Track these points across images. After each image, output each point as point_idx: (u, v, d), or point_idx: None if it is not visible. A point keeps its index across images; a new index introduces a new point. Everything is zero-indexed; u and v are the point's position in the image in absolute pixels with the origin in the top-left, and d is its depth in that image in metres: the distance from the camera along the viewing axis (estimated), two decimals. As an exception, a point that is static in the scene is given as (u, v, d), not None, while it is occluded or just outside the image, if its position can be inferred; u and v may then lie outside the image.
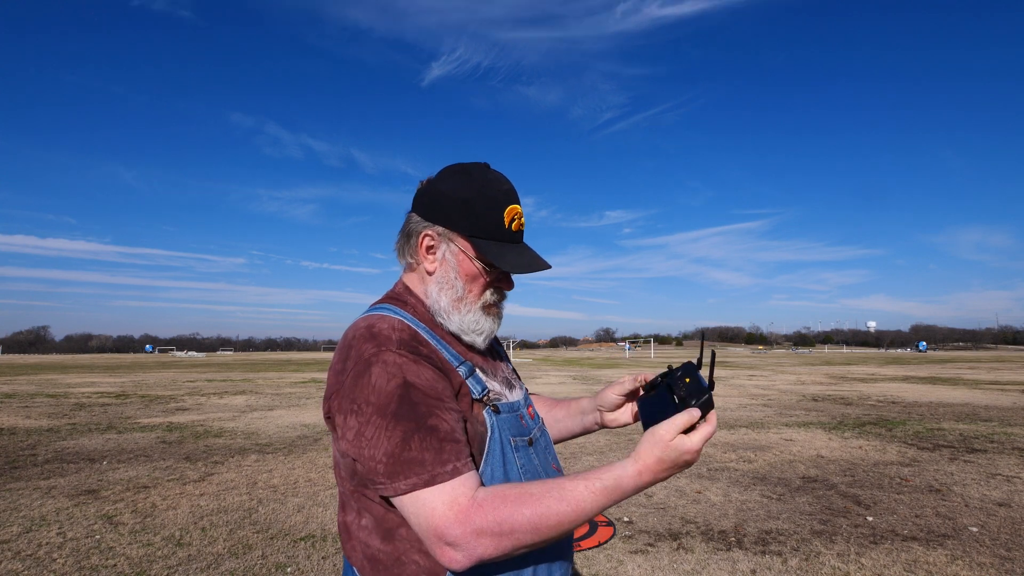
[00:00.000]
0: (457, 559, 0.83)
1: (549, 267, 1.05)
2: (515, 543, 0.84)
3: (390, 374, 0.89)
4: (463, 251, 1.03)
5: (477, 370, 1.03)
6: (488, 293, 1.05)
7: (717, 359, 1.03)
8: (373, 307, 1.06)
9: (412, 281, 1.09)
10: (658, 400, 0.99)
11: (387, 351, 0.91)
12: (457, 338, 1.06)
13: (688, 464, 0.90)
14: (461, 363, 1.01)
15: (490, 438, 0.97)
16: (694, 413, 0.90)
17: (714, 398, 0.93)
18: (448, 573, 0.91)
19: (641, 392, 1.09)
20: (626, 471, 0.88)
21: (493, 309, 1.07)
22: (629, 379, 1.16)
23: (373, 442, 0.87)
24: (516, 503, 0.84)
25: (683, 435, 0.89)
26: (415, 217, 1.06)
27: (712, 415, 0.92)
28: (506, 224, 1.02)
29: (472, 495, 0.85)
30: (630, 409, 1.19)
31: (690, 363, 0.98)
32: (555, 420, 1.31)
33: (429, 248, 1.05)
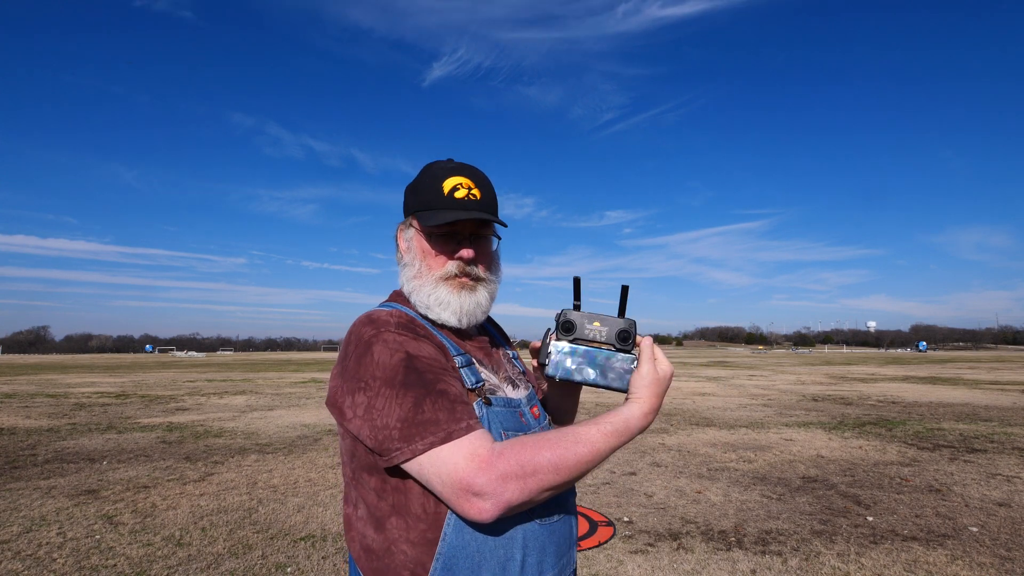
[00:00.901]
0: (486, 508, 0.84)
1: (488, 218, 1.05)
2: (539, 484, 0.85)
3: (392, 349, 0.92)
4: (417, 231, 1.09)
5: (475, 362, 1.05)
6: (449, 265, 1.06)
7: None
8: (380, 304, 1.12)
9: (400, 281, 1.16)
10: (568, 348, 1.02)
11: (386, 331, 0.95)
12: (450, 328, 1.08)
13: (670, 378, 1.01)
14: (459, 353, 1.03)
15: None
16: (648, 340, 1.00)
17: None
18: (435, 560, 0.91)
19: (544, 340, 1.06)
20: (632, 413, 0.96)
21: (455, 280, 1.06)
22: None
23: (385, 411, 0.88)
24: (535, 447, 0.87)
25: (655, 362, 1.00)
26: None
27: (647, 339, 1.02)
28: (445, 192, 1.06)
29: (491, 446, 0.87)
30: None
31: (577, 305, 1.05)
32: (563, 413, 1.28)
33: (400, 242, 1.13)
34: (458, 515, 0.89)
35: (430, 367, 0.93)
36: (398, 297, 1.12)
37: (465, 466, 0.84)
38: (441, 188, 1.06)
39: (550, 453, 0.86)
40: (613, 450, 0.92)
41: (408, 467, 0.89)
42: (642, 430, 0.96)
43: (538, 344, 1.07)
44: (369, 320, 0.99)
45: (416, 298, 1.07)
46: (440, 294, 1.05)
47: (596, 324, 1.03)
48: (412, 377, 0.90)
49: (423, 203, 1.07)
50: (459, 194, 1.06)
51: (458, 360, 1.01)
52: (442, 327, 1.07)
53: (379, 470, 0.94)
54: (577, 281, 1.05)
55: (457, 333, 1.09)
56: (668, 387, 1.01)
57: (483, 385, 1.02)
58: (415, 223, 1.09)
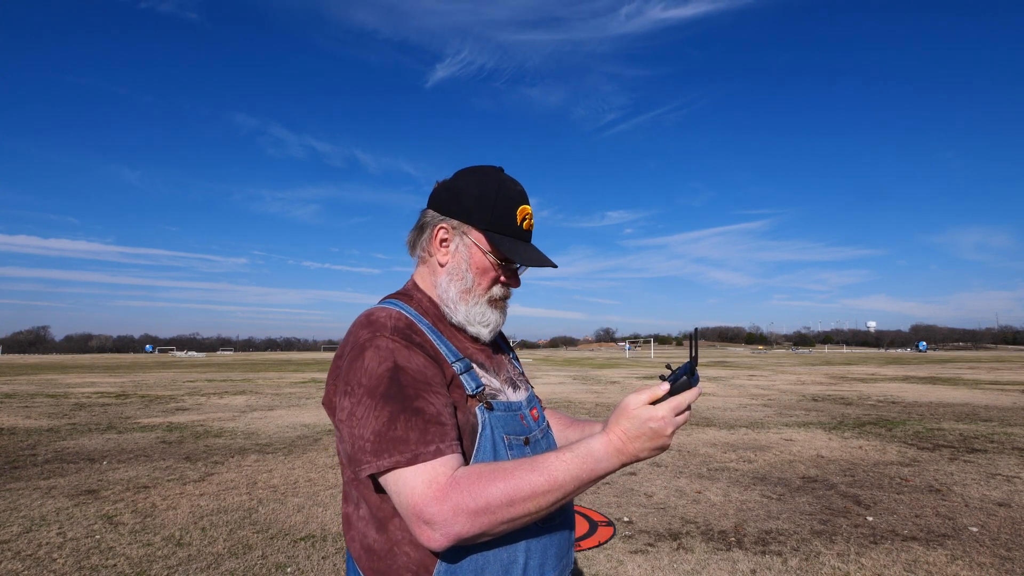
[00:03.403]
0: (435, 538, 0.84)
1: (555, 266, 1.12)
2: (492, 519, 0.84)
3: (382, 357, 0.92)
4: (476, 244, 1.07)
5: (475, 367, 1.04)
6: (496, 288, 1.10)
7: (701, 354, 0.99)
8: (385, 300, 1.10)
9: (422, 275, 1.13)
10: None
11: (381, 336, 0.94)
12: (462, 331, 1.08)
13: (657, 435, 0.89)
14: (458, 359, 1.02)
15: (481, 433, 0.98)
16: (662, 387, 0.92)
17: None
18: (439, 562, 0.92)
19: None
20: (597, 439, 0.90)
21: (499, 304, 1.11)
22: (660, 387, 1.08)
23: (362, 421, 0.89)
24: (490, 478, 0.85)
25: (649, 405, 0.90)
26: (430, 212, 1.10)
27: (693, 390, 0.93)
28: (518, 221, 1.08)
29: (451, 474, 0.86)
30: None
31: (687, 365, 0.95)
32: (566, 439, 1.26)
33: (443, 241, 1.09)
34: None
35: (413, 381, 0.91)
36: (400, 295, 1.10)
37: (422, 492, 0.84)
38: (515, 215, 1.07)
39: (503, 484, 0.84)
40: (577, 481, 0.87)
41: (379, 479, 0.90)
42: (609, 460, 0.89)
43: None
44: (368, 321, 0.98)
45: (457, 309, 1.07)
46: (486, 313, 1.08)
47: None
48: (393, 390, 0.89)
49: (497, 224, 1.06)
50: (526, 225, 1.10)
51: (456, 367, 1.00)
52: (447, 328, 1.07)
53: None
54: (695, 331, 0.97)
55: (463, 332, 1.09)
56: (643, 434, 0.89)
57: (484, 390, 1.02)
58: (481, 239, 1.06)
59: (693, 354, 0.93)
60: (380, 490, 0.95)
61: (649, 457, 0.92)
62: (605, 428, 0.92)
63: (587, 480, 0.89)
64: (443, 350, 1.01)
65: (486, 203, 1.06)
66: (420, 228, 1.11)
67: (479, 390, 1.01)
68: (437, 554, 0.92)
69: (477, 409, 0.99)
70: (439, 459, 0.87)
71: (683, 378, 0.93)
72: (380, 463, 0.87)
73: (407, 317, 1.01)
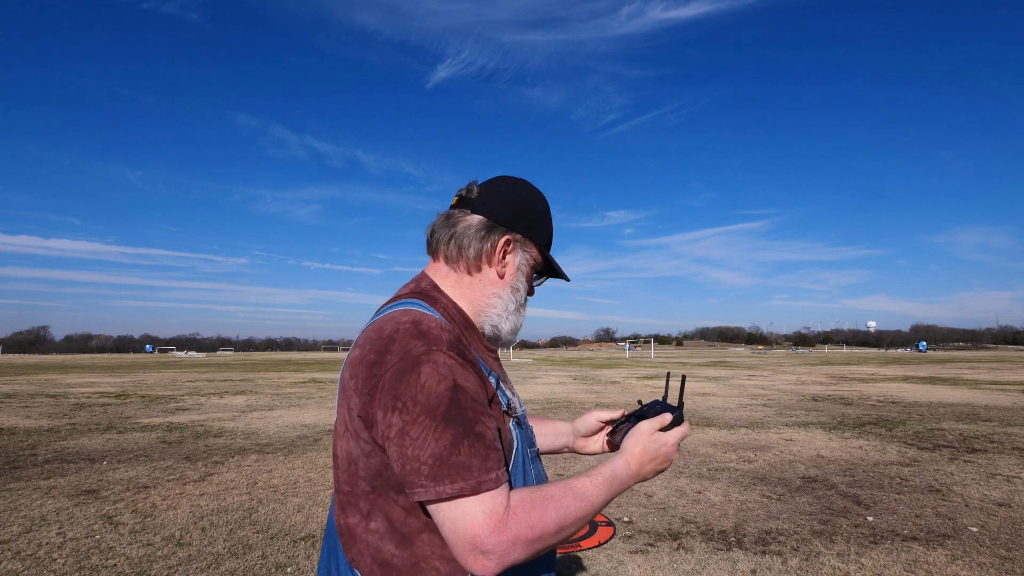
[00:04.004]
0: (490, 567, 0.83)
1: (569, 279, 1.21)
2: (543, 546, 0.86)
3: (441, 375, 0.86)
4: (533, 259, 1.10)
5: (500, 382, 1.04)
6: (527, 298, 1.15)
7: (687, 383, 1.16)
8: (402, 300, 1.02)
9: (448, 279, 1.07)
10: (631, 428, 1.09)
11: (438, 351, 0.88)
12: (479, 338, 1.07)
13: (667, 459, 1.02)
14: (490, 373, 1.01)
15: (516, 449, 1.00)
16: (666, 416, 1.05)
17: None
18: None
19: (618, 419, 1.22)
20: (618, 463, 0.98)
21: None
22: (617, 411, 1.25)
23: (419, 443, 0.84)
24: (542, 507, 0.87)
25: (660, 431, 1.03)
26: (487, 221, 1.06)
27: (685, 424, 1.07)
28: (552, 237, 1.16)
29: (506, 504, 0.85)
30: (602, 439, 1.27)
31: (657, 400, 1.14)
32: (541, 436, 1.34)
33: (507, 253, 1.07)
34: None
35: (473, 403, 0.88)
36: (422, 295, 1.04)
37: (482, 523, 0.82)
38: (553, 232, 1.15)
39: (555, 513, 0.87)
40: (605, 503, 0.94)
41: (429, 505, 0.87)
42: (629, 482, 0.99)
43: (626, 412, 1.21)
44: (419, 332, 0.90)
45: (507, 320, 1.08)
46: (522, 322, 1.12)
47: (657, 408, 1.13)
48: (454, 412, 0.85)
49: (548, 242, 1.12)
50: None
51: (491, 380, 0.99)
52: (471, 336, 1.05)
53: None
54: (683, 378, 1.17)
55: (485, 344, 1.08)
56: (657, 457, 1.02)
57: (510, 403, 1.03)
58: (537, 255, 1.11)
59: (680, 399, 1.09)
60: (408, 506, 0.91)
61: (651, 478, 1.04)
62: (623, 449, 1.01)
63: (610, 500, 0.96)
64: (480, 363, 0.99)
65: (546, 220, 1.11)
66: (479, 236, 1.05)
67: (509, 405, 1.01)
68: None
69: (511, 425, 0.99)
70: (498, 488, 0.85)
71: (680, 410, 1.08)
72: (440, 489, 0.83)
73: (456, 329, 0.98)
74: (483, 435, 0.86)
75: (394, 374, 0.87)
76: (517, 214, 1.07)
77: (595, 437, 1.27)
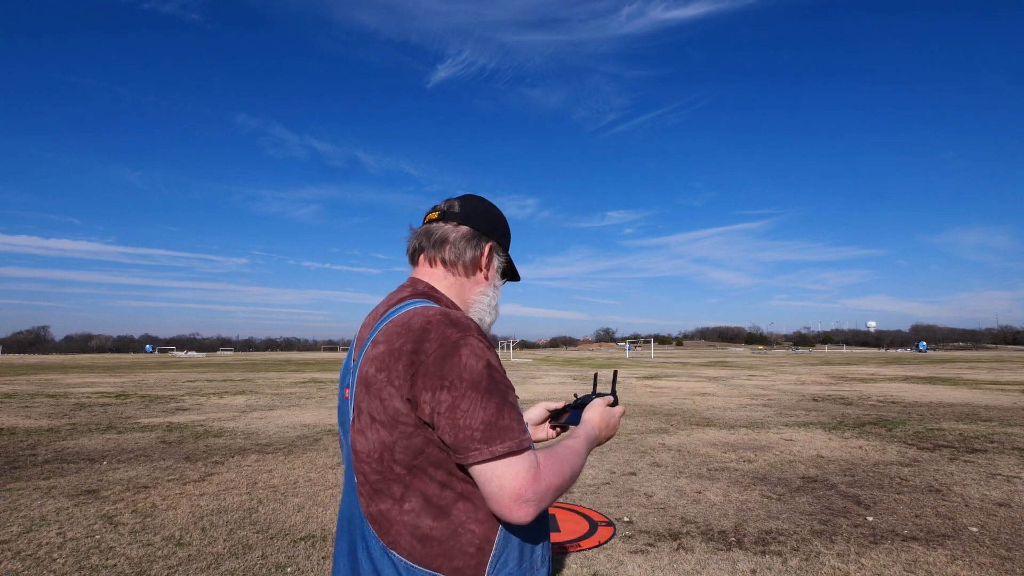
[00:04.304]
0: (530, 512, 0.99)
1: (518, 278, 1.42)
2: (563, 492, 1.06)
3: (478, 356, 1.02)
4: (502, 263, 1.31)
5: None
6: None
7: (619, 378, 1.29)
8: (413, 300, 1.15)
9: (445, 281, 1.24)
10: (573, 416, 1.33)
11: (471, 336, 1.04)
12: None
13: (615, 428, 1.31)
14: None
15: None
16: (609, 398, 1.34)
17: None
18: (499, 530, 1.06)
19: (561, 408, 1.43)
20: (587, 428, 1.23)
21: None
22: (559, 402, 1.48)
23: (470, 413, 0.98)
24: (559, 461, 1.06)
25: (608, 407, 1.32)
26: (472, 231, 1.25)
27: (622, 407, 1.35)
28: None
29: (537, 459, 1.02)
30: (547, 426, 1.46)
31: (589, 395, 1.39)
32: None
33: (490, 258, 1.27)
34: (498, 517, 1.03)
35: (503, 378, 1.05)
36: (427, 295, 1.19)
37: (525, 475, 0.98)
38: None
39: (567, 466, 1.07)
40: (585, 460, 1.15)
41: (476, 466, 1.00)
42: (594, 444, 1.22)
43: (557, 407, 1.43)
44: (451, 321, 1.06)
45: (488, 312, 1.26)
46: (497, 316, 1.31)
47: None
48: (493, 386, 1.01)
49: (507, 248, 1.33)
50: None
51: None
52: None
53: (446, 463, 1.04)
54: (615, 372, 1.51)
55: None
56: (610, 425, 1.29)
57: None
58: (505, 259, 1.32)
59: (613, 390, 1.40)
60: (444, 480, 1.05)
61: (604, 442, 1.33)
62: (586, 418, 1.27)
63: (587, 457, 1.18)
64: None
65: (508, 230, 1.33)
66: (470, 244, 1.24)
67: None
68: (498, 524, 1.07)
69: None
70: (532, 447, 1.03)
71: (615, 396, 1.37)
72: (493, 449, 0.98)
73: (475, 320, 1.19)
74: (515, 404, 1.04)
75: (436, 358, 1.01)
76: (494, 225, 1.28)
77: (542, 425, 1.46)
